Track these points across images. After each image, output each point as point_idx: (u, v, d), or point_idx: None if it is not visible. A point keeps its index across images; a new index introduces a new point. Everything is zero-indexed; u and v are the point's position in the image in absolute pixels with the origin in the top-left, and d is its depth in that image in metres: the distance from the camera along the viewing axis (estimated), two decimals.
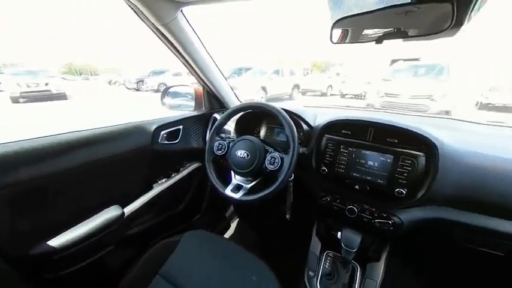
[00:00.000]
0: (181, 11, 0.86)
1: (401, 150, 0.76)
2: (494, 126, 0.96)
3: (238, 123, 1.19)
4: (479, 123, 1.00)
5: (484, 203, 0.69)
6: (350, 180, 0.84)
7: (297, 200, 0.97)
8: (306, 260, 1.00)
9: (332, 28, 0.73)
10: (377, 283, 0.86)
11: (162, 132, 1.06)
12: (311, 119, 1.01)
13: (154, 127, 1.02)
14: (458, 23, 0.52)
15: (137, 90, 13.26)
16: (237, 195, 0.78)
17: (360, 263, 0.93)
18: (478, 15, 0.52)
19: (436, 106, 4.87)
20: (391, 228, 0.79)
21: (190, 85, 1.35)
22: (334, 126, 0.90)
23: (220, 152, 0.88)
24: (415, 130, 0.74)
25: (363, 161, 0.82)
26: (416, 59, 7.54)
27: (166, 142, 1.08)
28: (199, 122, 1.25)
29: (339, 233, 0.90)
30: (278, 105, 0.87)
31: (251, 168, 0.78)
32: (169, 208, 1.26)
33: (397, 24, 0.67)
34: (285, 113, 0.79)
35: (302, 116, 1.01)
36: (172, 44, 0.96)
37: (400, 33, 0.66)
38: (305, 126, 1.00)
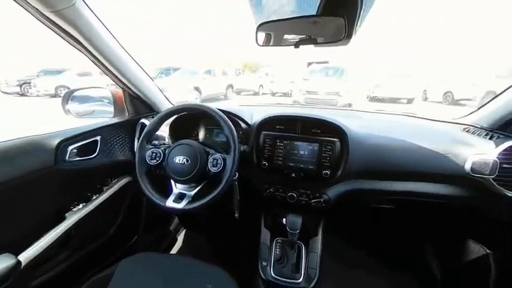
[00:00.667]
0: None
1: (323, 138, 0.91)
2: (380, 113, 1.29)
3: (173, 127, 1.10)
4: (371, 112, 1.33)
5: (380, 172, 0.93)
6: (287, 170, 0.94)
7: (244, 197, 1.00)
8: (259, 252, 1.05)
9: (257, 31, 0.80)
10: (318, 254, 1.01)
11: (71, 147, 0.84)
12: (248, 117, 1.05)
13: (57, 141, 0.79)
14: (349, 35, 0.67)
15: (22, 94, 10.00)
16: (181, 205, 0.73)
17: (303, 241, 1.05)
18: (361, 31, 0.69)
19: (342, 100, 6.13)
20: (323, 204, 0.94)
21: (105, 87, 1.14)
22: (269, 123, 0.97)
23: (155, 161, 0.79)
24: (330, 121, 0.90)
25: (296, 152, 0.93)
26: (326, 62, 9.08)
27: (78, 159, 0.87)
28: (123, 130, 1.07)
29: (284, 219, 0.99)
30: (214, 105, 0.86)
31: (193, 173, 0.74)
32: (94, 237, 1.04)
33: (309, 32, 0.80)
34: (222, 113, 0.79)
35: (239, 115, 1.03)
36: (72, 36, 0.77)
37: (311, 40, 0.79)
38: (243, 125, 1.04)
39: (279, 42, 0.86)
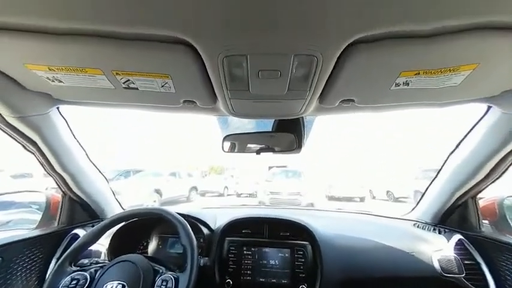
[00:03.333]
0: (57, 108, 0.75)
1: (293, 242, 0.85)
2: (340, 212, 1.35)
3: (116, 238, 0.90)
4: (332, 211, 1.38)
5: (359, 282, 0.83)
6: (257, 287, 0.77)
7: None
8: None
9: (223, 141, 0.92)
10: None
11: None
12: (211, 222, 0.96)
13: None
14: (299, 146, 0.83)
15: None
16: None
17: None
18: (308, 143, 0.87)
19: (304, 200, 6.40)
20: None
21: (41, 191, 0.98)
22: (234, 227, 0.89)
23: None
24: (297, 221, 0.88)
25: (266, 262, 0.82)
26: (285, 166, 10.25)
27: None
28: (42, 247, 0.83)
29: None
30: (174, 209, 0.79)
31: None
32: None
33: (268, 143, 0.96)
34: (181, 217, 0.71)
35: (202, 218, 0.94)
36: (27, 138, 0.73)
37: (270, 149, 0.94)
38: (205, 230, 0.92)
39: (243, 150, 0.99)
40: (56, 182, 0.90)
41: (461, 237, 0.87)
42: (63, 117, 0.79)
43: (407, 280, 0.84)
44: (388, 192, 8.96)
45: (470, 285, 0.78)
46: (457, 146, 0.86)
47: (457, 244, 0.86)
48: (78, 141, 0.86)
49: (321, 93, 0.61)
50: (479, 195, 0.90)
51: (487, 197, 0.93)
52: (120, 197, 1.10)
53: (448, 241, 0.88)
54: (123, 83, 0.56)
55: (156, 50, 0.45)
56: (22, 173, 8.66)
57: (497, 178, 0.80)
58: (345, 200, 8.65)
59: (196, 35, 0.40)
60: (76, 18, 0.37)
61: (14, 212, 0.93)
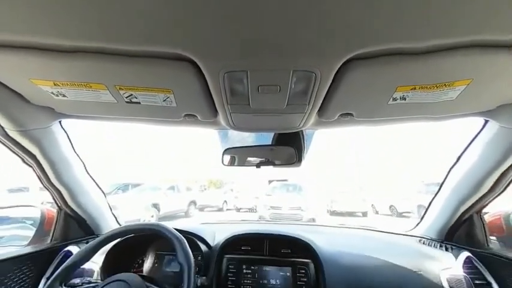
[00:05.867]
0: (59, 122, 0.76)
1: (294, 259, 0.81)
2: (343, 227, 1.31)
3: (110, 256, 0.86)
4: (334, 226, 1.34)
5: None
6: None
7: None
8: None
9: (223, 154, 0.92)
10: None
11: None
12: (210, 238, 0.93)
13: None
14: (299, 160, 0.82)
15: None
16: None
17: None
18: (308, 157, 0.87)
19: (306, 215, 6.24)
20: None
21: (36, 206, 0.96)
22: (234, 243, 0.86)
23: None
24: (299, 237, 0.85)
25: (266, 281, 0.78)
26: (285, 180, 10.14)
27: None
28: (32, 266, 0.80)
29: None
30: (172, 224, 0.77)
31: None
32: None
33: (268, 156, 0.96)
34: (178, 233, 0.68)
35: (200, 234, 0.91)
36: (27, 152, 0.73)
37: (270, 162, 0.94)
38: (204, 247, 0.89)
39: (243, 163, 0.99)
40: (52, 196, 0.88)
41: (469, 254, 0.84)
42: (65, 131, 0.79)
43: None
44: (391, 206, 8.78)
45: None
46: (458, 160, 0.86)
47: (465, 262, 0.82)
48: (78, 154, 0.86)
49: (320, 107, 0.62)
50: (484, 210, 0.88)
51: (492, 211, 0.91)
52: (117, 211, 1.08)
53: (456, 259, 0.84)
54: (126, 97, 0.57)
55: (159, 66, 0.46)
56: (19, 187, 8.54)
57: (501, 192, 0.79)
58: (347, 215, 8.45)
59: (198, 52, 0.42)
60: (81, 36, 0.39)
61: (7, 228, 0.91)
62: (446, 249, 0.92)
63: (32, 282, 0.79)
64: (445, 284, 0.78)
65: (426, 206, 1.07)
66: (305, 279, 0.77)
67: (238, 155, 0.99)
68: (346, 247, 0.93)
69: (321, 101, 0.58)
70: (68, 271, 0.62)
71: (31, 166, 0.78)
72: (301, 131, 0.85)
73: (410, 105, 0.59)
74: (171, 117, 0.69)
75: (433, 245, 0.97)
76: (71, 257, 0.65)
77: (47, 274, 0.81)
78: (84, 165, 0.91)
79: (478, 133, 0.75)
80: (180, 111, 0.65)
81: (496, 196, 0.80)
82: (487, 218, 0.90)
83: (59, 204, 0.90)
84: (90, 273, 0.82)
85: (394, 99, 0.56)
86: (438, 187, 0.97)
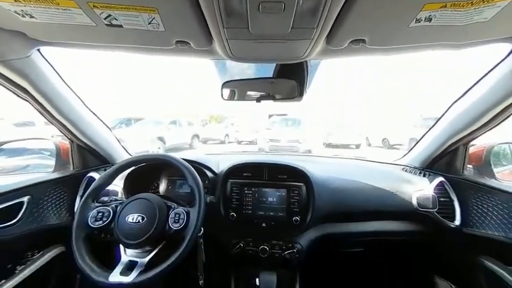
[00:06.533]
0: (38, 50, 0.69)
1: (289, 183, 0.93)
2: (336, 158, 1.43)
3: (129, 180, 0.98)
4: (328, 157, 1.46)
5: (345, 213, 0.96)
6: (257, 219, 0.90)
7: (209, 259, 0.88)
8: None
9: (222, 88, 0.88)
10: None
11: None
12: (215, 166, 1.03)
13: None
14: (300, 94, 0.80)
15: None
16: (130, 278, 0.59)
17: None
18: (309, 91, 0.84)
19: (302, 147, 6.68)
20: (297, 255, 0.89)
21: (48, 138, 1.02)
22: (236, 171, 0.96)
23: (101, 222, 0.66)
24: (295, 166, 0.95)
25: (264, 199, 0.92)
26: (285, 114, 10.20)
27: None
28: (63, 187, 0.92)
29: (257, 280, 0.88)
30: (179, 155, 0.83)
31: (150, 233, 0.63)
32: None
33: (268, 90, 0.92)
34: (186, 163, 0.76)
35: (206, 163, 1.01)
36: (16, 85, 0.72)
37: (271, 96, 0.91)
38: (210, 174, 1.00)
39: (243, 97, 0.96)
40: (60, 130, 0.92)
41: (443, 179, 0.96)
42: (47, 61, 0.74)
43: (386, 213, 0.97)
44: (383, 139, 9.22)
45: (440, 217, 0.90)
46: (465, 93, 0.83)
47: (437, 185, 0.94)
48: (69, 86, 0.83)
49: (329, 33, 0.54)
50: (472, 143, 0.93)
51: (479, 143, 0.97)
52: (124, 143, 1.15)
53: (430, 183, 0.96)
54: (104, 18, 0.50)
55: None
56: (24, 121, 8.68)
57: (494, 126, 0.81)
58: (342, 147, 9.01)
59: None
60: None
61: (29, 158, 0.99)
62: (424, 175, 1.03)
63: (69, 199, 0.94)
64: (414, 200, 0.93)
65: (418, 139, 1.12)
66: (297, 198, 0.91)
67: (237, 89, 0.95)
68: (336, 173, 1.05)
69: (331, 24, 0.50)
70: (97, 191, 0.73)
71: (27, 100, 0.77)
72: (306, 62, 0.78)
73: (435, 29, 0.52)
74: (160, 44, 0.62)
75: (413, 172, 1.09)
76: (96, 180, 0.74)
77: (80, 193, 0.96)
78: (81, 100, 0.90)
79: (501, 61, 0.69)
80: (171, 37, 0.58)
81: (489, 130, 0.83)
82: (472, 149, 0.96)
83: (69, 137, 0.95)
84: (115, 193, 0.96)
85: (418, 21, 0.48)
86: (435, 121, 1.00)
